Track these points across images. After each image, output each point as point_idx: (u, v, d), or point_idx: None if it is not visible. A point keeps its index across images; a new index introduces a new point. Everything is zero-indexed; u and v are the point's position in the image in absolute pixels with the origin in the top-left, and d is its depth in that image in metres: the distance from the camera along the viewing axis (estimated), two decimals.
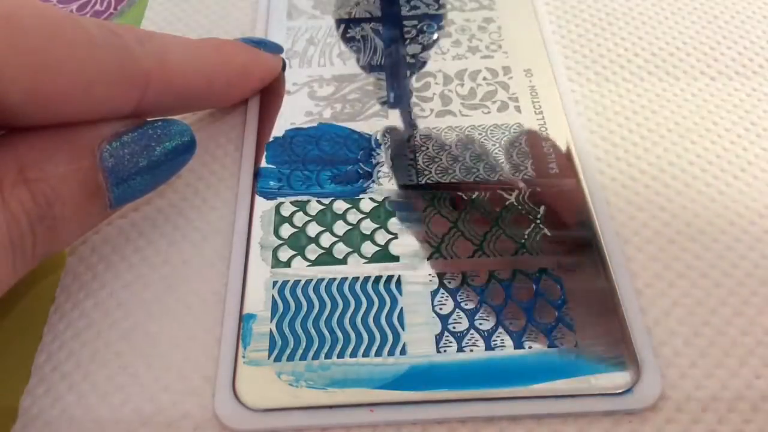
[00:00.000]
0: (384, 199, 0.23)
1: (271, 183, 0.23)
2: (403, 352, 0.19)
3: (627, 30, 0.28)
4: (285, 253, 0.22)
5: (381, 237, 0.22)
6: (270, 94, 0.26)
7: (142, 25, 0.29)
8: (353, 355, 0.19)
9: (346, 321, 0.20)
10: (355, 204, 0.23)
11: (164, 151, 0.20)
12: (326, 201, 0.23)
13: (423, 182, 0.23)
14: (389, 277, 0.21)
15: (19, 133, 0.18)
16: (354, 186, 0.23)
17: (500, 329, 0.20)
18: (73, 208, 0.18)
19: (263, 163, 0.24)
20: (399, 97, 0.26)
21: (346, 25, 0.29)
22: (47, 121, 0.18)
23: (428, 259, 0.21)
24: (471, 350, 0.19)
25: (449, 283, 0.21)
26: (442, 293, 0.21)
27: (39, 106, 0.18)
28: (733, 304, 0.20)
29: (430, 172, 0.23)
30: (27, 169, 0.18)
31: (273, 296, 0.21)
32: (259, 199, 0.23)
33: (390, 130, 0.25)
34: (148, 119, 0.20)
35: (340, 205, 0.23)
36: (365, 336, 0.20)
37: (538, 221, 0.22)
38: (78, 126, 0.19)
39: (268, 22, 0.28)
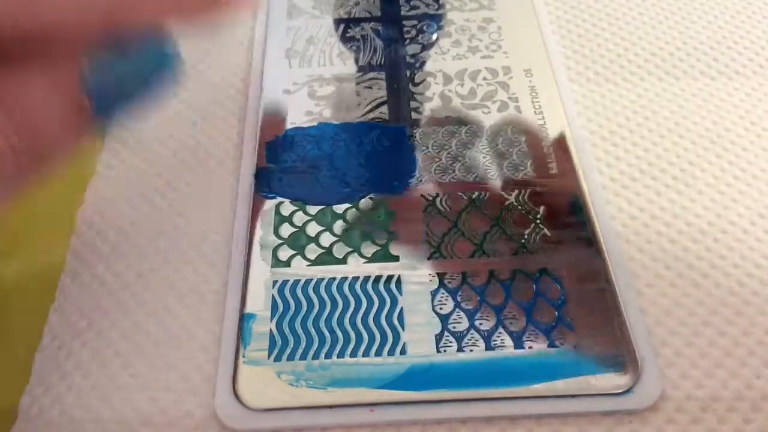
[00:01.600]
0: (384, 199, 0.23)
1: (272, 183, 0.23)
2: (403, 352, 0.19)
3: (627, 30, 0.28)
4: (285, 253, 0.22)
5: (381, 237, 0.22)
6: None
7: None
8: (353, 354, 0.19)
9: (346, 321, 0.20)
10: (355, 204, 0.23)
11: (146, 74, 0.18)
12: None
13: (423, 181, 0.23)
14: (389, 277, 0.21)
15: None
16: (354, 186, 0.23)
17: (500, 329, 0.20)
18: (58, 128, 0.17)
19: (263, 163, 0.24)
20: (399, 97, 0.26)
21: (346, 24, 0.29)
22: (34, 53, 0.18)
23: (428, 259, 0.21)
24: (471, 350, 0.19)
25: (449, 282, 0.21)
26: (442, 293, 0.21)
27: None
28: (733, 305, 0.20)
29: (430, 172, 0.23)
30: (4, 97, 0.16)
31: (273, 296, 0.21)
32: (259, 199, 0.23)
33: (390, 129, 0.25)
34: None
35: (339, 205, 0.23)
36: (365, 336, 0.20)
37: (538, 221, 0.22)
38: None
39: (268, 22, 0.28)
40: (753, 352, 0.20)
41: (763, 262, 0.21)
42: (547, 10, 0.29)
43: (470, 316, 0.20)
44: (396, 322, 0.20)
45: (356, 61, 0.27)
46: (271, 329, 0.20)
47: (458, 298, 0.20)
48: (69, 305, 0.21)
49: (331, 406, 0.19)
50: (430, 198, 0.23)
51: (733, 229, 0.22)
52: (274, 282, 0.21)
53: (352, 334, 0.20)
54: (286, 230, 0.22)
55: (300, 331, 0.20)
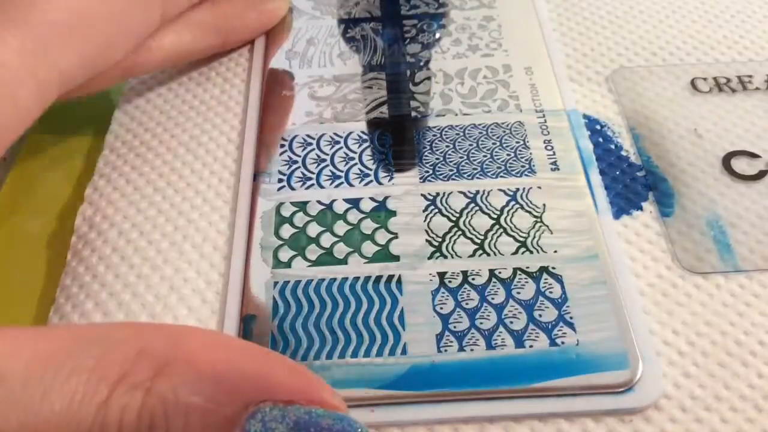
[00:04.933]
0: (384, 199, 0.23)
1: (271, 183, 0.23)
2: (404, 351, 0.19)
3: (627, 29, 0.28)
4: (285, 254, 0.22)
5: (381, 237, 0.22)
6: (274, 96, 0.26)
7: None
8: (354, 355, 0.19)
9: (347, 321, 0.20)
10: (355, 204, 0.23)
11: None
12: (326, 201, 0.23)
13: (424, 180, 0.23)
14: (390, 277, 0.21)
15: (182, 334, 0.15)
16: (354, 186, 0.23)
17: (501, 328, 0.20)
18: None
19: (263, 164, 0.24)
20: (399, 96, 0.26)
21: (347, 25, 0.28)
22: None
23: (429, 259, 0.21)
24: (472, 349, 0.19)
25: (450, 282, 0.21)
26: (443, 293, 0.21)
27: None
28: (735, 304, 0.20)
29: (431, 170, 0.23)
30: (160, 376, 0.14)
31: (274, 297, 0.21)
32: (259, 200, 0.23)
33: (391, 128, 0.25)
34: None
35: (340, 205, 0.23)
36: (366, 336, 0.20)
37: (539, 220, 0.22)
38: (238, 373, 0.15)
39: None
40: (755, 351, 0.19)
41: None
42: (548, 8, 0.29)
43: (471, 315, 0.20)
44: (397, 322, 0.20)
45: (357, 61, 0.27)
46: (272, 330, 0.20)
47: (459, 298, 0.20)
48: (69, 306, 0.21)
49: None
50: (431, 197, 0.23)
51: None
52: (275, 283, 0.21)
53: (353, 335, 0.20)
54: (286, 231, 0.22)
55: (301, 331, 0.20)
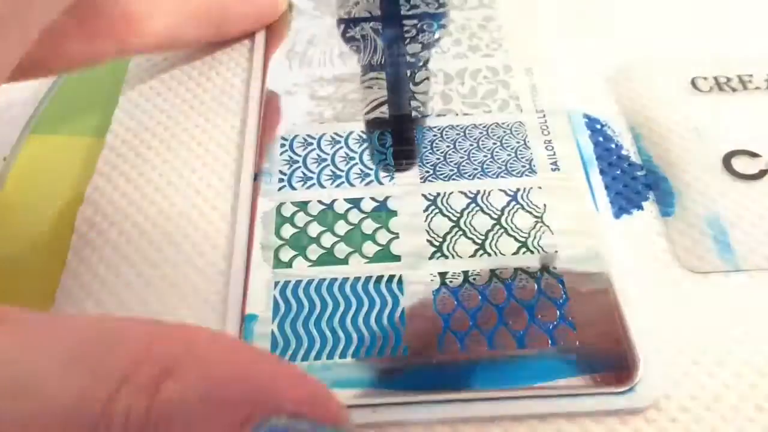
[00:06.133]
0: (385, 199, 0.23)
1: (272, 183, 0.23)
2: (405, 352, 0.19)
3: (628, 29, 0.28)
4: (286, 254, 0.22)
5: (382, 237, 0.22)
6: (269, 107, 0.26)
7: None
8: (355, 355, 0.19)
9: (348, 321, 0.20)
10: (356, 204, 0.23)
11: None
12: (327, 201, 0.23)
13: (425, 180, 0.23)
14: (391, 277, 0.21)
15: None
16: (355, 186, 0.23)
17: (502, 328, 0.20)
18: None
19: (263, 164, 0.24)
20: (399, 96, 0.26)
21: (347, 24, 0.28)
22: None
23: (430, 259, 0.21)
24: (473, 350, 0.19)
25: (451, 282, 0.21)
26: (444, 293, 0.21)
27: None
28: (736, 303, 0.20)
29: (432, 170, 0.23)
30: (169, 378, 0.14)
31: (274, 297, 0.21)
32: (259, 200, 0.23)
33: (391, 128, 0.25)
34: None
35: (341, 205, 0.23)
36: (367, 336, 0.20)
37: (540, 219, 0.22)
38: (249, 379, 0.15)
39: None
40: (755, 350, 0.19)
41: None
42: (548, 8, 0.29)
43: (472, 315, 0.20)
44: (398, 322, 0.20)
45: (357, 60, 0.27)
46: (272, 330, 0.20)
47: (460, 298, 0.20)
48: (69, 305, 0.21)
49: None
50: (432, 197, 0.23)
51: None
52: (276, 283, 0.21)
53: (354, 335, 0.20)
54: (287, 231, 0.22)
55: (302, 331, 0.20)
